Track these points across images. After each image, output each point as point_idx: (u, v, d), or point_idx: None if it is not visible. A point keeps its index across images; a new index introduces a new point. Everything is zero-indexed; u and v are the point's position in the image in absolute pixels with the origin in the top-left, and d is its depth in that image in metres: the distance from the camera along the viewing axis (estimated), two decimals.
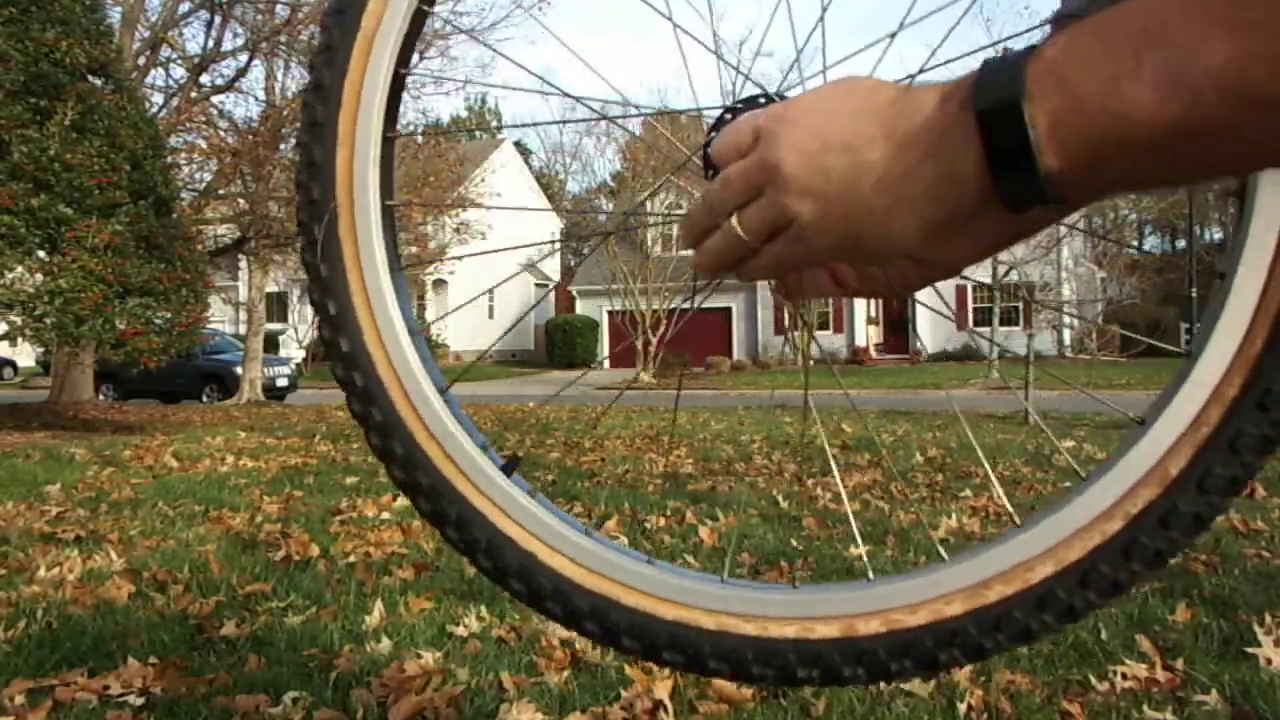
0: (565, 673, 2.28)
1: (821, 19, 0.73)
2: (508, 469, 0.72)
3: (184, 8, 15.17)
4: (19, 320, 8.31)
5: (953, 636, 0.62)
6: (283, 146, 14.81)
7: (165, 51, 15.53)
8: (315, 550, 3.57)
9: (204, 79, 15.66)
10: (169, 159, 11.06)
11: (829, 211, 0.46)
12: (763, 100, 0.62)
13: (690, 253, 0.54)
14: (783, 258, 0.49)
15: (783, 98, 0.61)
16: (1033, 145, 0.40)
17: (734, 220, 0.50)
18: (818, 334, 26.90)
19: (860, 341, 27.65)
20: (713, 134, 0.61)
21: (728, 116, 0.62)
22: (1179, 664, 2.27)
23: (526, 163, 41.74)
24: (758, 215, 0.49)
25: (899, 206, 0.44)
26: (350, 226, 0.74)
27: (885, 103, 0.45)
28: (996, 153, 0.41)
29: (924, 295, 0.57)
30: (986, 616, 0.61)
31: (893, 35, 0.70)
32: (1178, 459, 0.59)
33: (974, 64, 0.44)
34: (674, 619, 0.67)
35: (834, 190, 0.45)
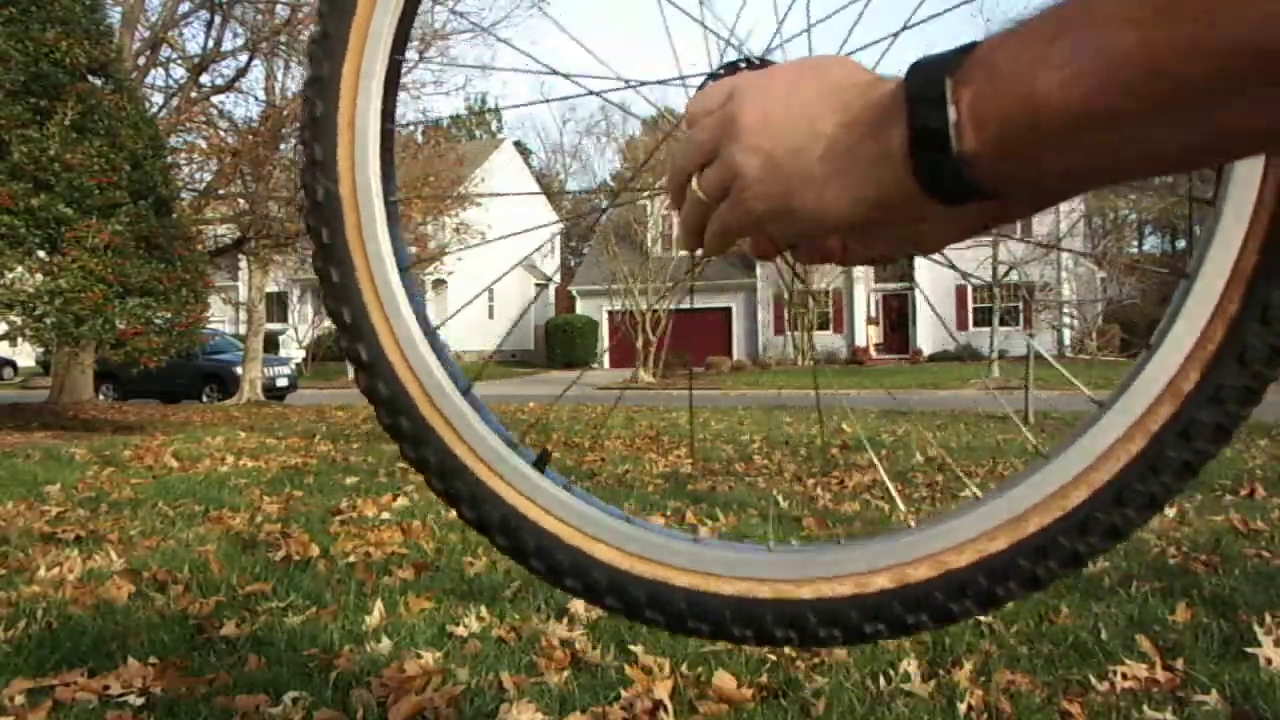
0: (565, 673, 2.28)
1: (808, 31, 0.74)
2: (540, 464, 0.71)
3: (184, 8, 15.19)
4: (19, 320, 8.31)
5: (1005, 571, 0.62)
6: (283, 146, 14.81)
7: (165, 51, 15.54)
8: (315, 550, 3.57)
9: (204, 79, 15.67)
10: (169, 159, 11.06)
11: (770, 173, 0.47)
12: (744, 66, 0.62)
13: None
14: (727, 221, 0.51)
15: (766, 63, 0.62)
16: (949, 123, 0.40)
17: (694, 182, 0.51)
18: (818, 334, 26.90)
19: (860, 341, 27.65)
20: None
21: (710, 83, 0.62)
22: (1179, 664, 2.27)
23: (526, 163, 41.75)
24: (714, 174, 0.50)
25: (835, 178, 0.45)
26: (356, 226, 0.73)
27: (853, 84, 0.46)
28: (918, 132, 0.41)
29: (924, 299, 0.58)
30: (1031, 547, 0.62)
31: (895, 35, 0.70)
32: (1189, 377, 0.60)
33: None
34: (733, 594, 0.67)
35: (780, 151, 0.47)
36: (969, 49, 0.41)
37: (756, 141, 0.48)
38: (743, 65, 0.62)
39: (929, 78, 0.41)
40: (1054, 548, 0.61)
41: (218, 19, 15.06)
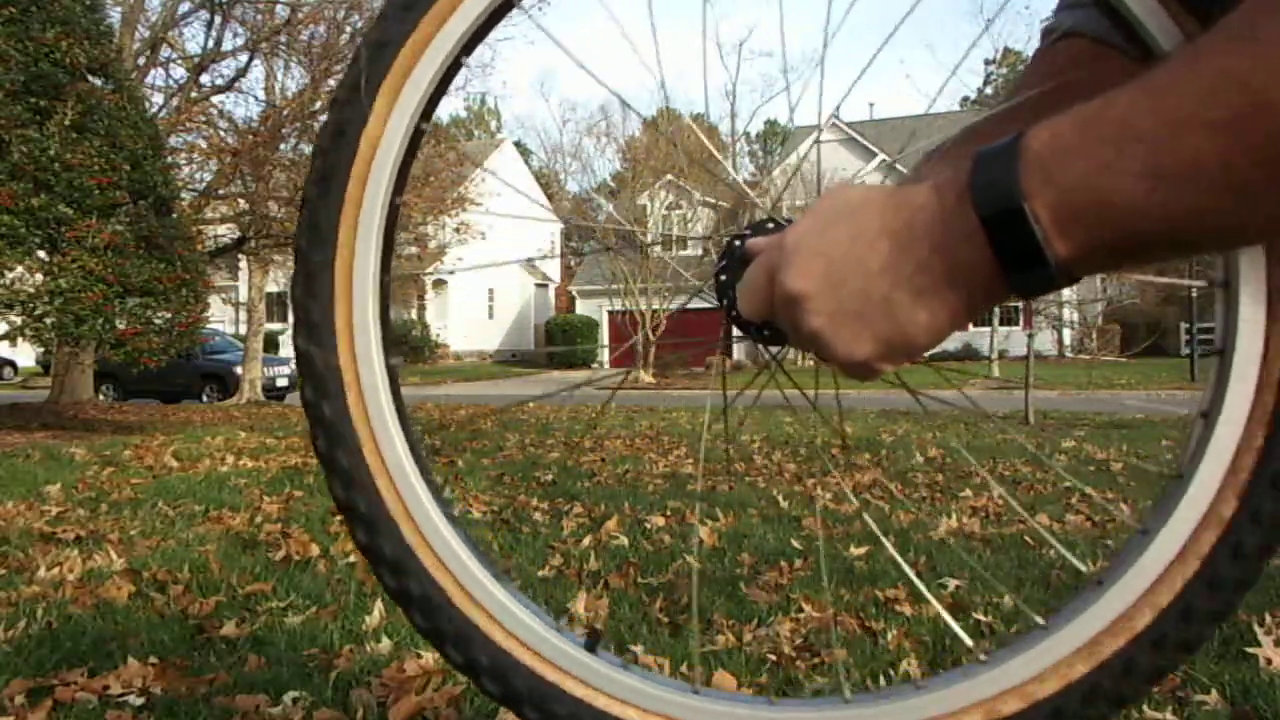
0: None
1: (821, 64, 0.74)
2: (591, 646, 0.66)
3: (184, 8, 15.17)
4: (19, 320, 8.31)
5: (1092, 693, 0.60)
6: (283, 146, 14.81)
7: (165, 51, 15.54)
8: (315, 550, 3.57)
9: (204, 79, 15.66)
10: (169, 159, 11.06)
11: (844, 323, 0.48)
12: (770, 226, 0.63)
13: None
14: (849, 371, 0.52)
15: (787, 222, 0.62)
16: (1041, 244, 0.42)
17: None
18: None
19: None
20: (723, 262, 0.64)
21: (736, 244, 0.64)
22: None
23: (526, 163, 41.73)
24: (805, 347, 0.52)
25: (920, 301, 0.46)
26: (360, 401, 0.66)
27: (879, 209, 0.47)
28: (1007, 255, 0.43)
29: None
30: (1113, 668, 0.60)
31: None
32: (1228, 501, 0.58)
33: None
34: None
35: (848, 302, 0.48)
36: (1016, 155, 0.42)
37: (818, 305, 0.49)
38: (770, 226, 0.63)
39: (999, 202, 0.42)
40: (1134, 665, 0.60)
41: (218, 19, 15.05)
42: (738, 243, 0.64)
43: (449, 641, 0.66)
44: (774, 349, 0.66)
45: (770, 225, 0.63)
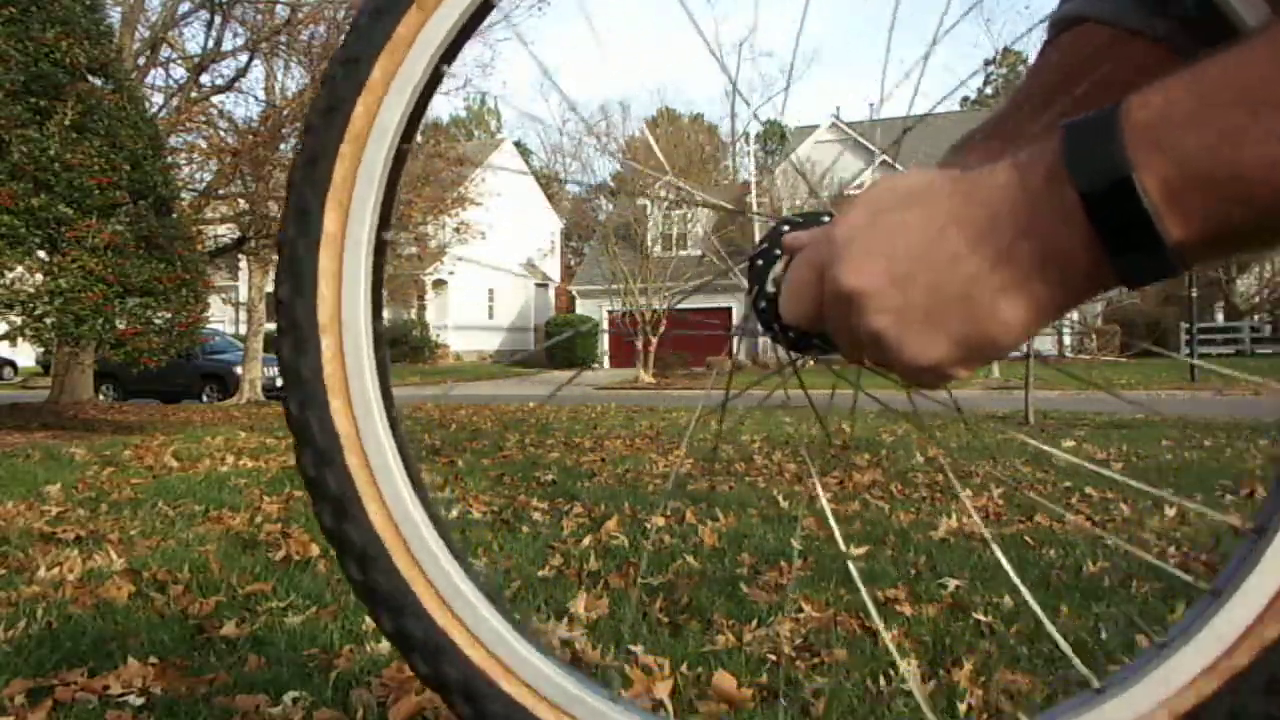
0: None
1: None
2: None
3: (184, 8, 15.18)
4: (19, 320, 8.31)
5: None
6: (283, 146, 14.81)
7: (165, 51, 15.54)
8: (315, 550, 3.57)
9: (204, 79, 15.67)
10: (169, 159, 11.06)
11: (912, 323, 0.44)
12: (825, 219, 0.58)
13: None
14: (918, 381, 0.47)
15: (827, 216, 0.58)
16: (1153, 220, 0.37)
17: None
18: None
19: None
20: (762, 247, 0.59)
21: (784, 228, 0.59)
22: None
23: (526, 162, 41.75)
24: (865, 352, 0.47)
25: (1006, 292, 0.41)
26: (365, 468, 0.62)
27: (944, 194, 0.43)
28: (1111, 232, 0.38)
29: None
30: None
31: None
32: None
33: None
34: None
35: (916, 297, 0.43)
36: (1115, 124, 0.38)
37: (881, 303, 0.44)
38: (824, 219, 0.58)
39: (1102, 172, 0.38)
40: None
41: (218, 19, 15.06)
42: (785, 227, 0.59)
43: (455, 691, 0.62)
44: (793, 352, 0.60)
45: (825, 219, 0.58)
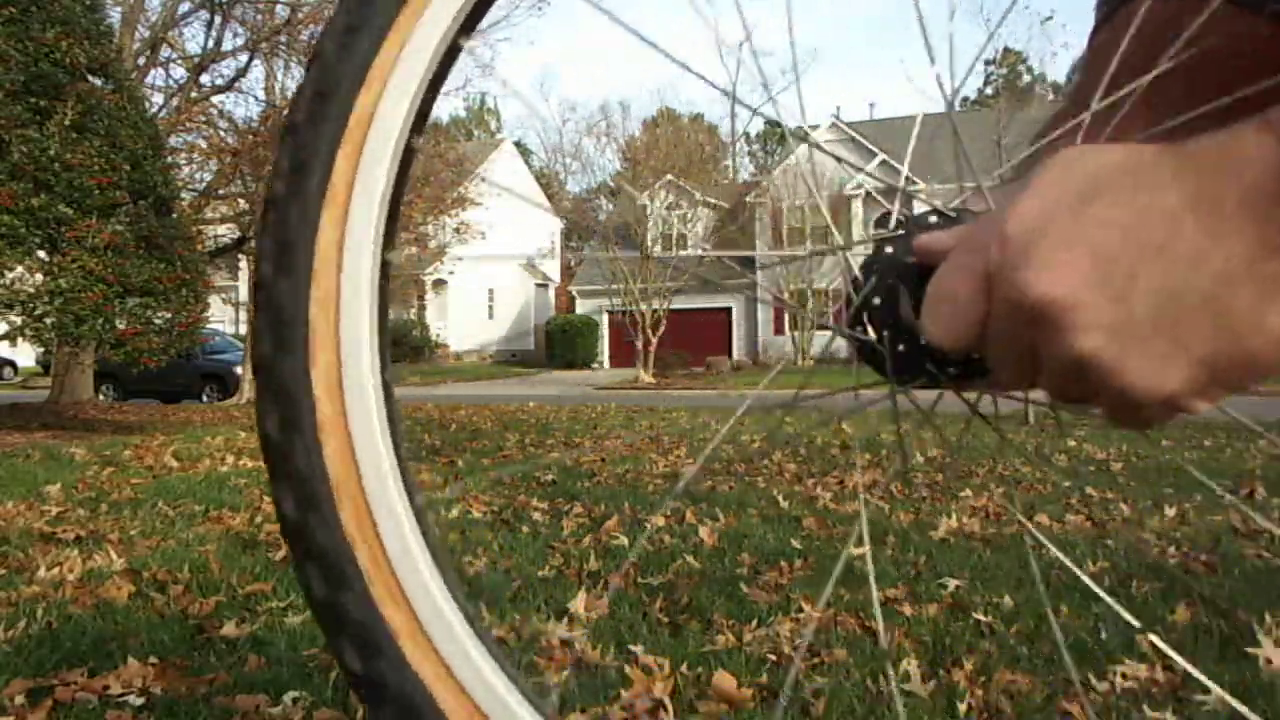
0: (565, 673, 2.28)
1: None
2: None
3: (184, 8, 15.19)
4: (19, 320, 8.31)
5: None
6: None
7: (165, 51, 15.55)
8: None
9: (204, 79, 15.67)
10: (169, 159, 11.06)
11: (1137, 343, 0.34)
12: (934, 219, 0.46)
13: None
14: (1139, 420, 0.37)
15: (955, 215, 0.45)
16: None
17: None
18: (819, 334, 26.88)
19: None
20: (870, 280, 0.46)
21: (887, 249, 0.46)
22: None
23: (526, 162, 41.76)
24: (1063, 384, 0.37)
25: (1275, 295, 0.32)
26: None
27: (1167, 172, 0.33)
28: None
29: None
30: None
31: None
32: None
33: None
34: None
35: (1138, 307, 0.33)
36: None
37: (1092, 317, 0.34)
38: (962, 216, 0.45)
39: None
40: None
41: (218, 19, 15.06)
42: (888, 249, 0.45)
43: None
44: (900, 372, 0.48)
45: (934, 219, 0.45)
